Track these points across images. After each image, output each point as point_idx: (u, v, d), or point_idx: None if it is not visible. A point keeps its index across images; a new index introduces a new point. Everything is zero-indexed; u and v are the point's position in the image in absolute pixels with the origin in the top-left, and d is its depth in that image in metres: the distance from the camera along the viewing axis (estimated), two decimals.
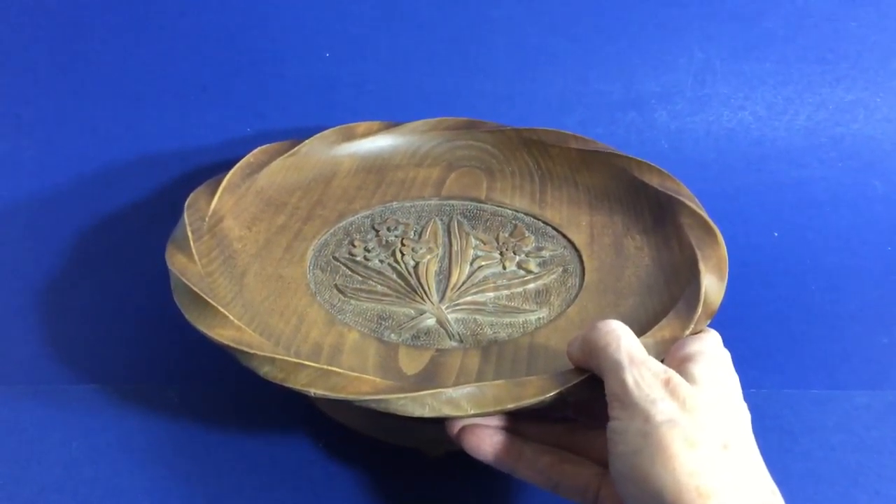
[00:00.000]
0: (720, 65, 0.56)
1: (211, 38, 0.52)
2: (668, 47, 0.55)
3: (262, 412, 0.40)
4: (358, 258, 0.42)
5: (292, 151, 0.47)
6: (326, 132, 0.49)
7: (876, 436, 0.39)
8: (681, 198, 0.43)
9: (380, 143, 0.50)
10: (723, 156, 0.56)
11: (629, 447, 0.26)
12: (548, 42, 0.54)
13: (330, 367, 0.30)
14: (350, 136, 0.50)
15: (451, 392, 0.29)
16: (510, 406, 0.29)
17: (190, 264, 0.37)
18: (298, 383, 0.30)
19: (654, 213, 0.44)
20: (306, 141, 0.48)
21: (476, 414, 0.29)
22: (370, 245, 0.43)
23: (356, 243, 0.43)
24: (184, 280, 0.34)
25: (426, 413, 0.29)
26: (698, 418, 0.26)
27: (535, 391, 0.30)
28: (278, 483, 0.36)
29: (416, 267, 0.41)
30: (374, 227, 0.44)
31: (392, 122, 0.51)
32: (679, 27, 0.55)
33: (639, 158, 0.47)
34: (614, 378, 0.28)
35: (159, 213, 0.51)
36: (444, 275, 0.41)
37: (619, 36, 0.55)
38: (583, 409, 0.33)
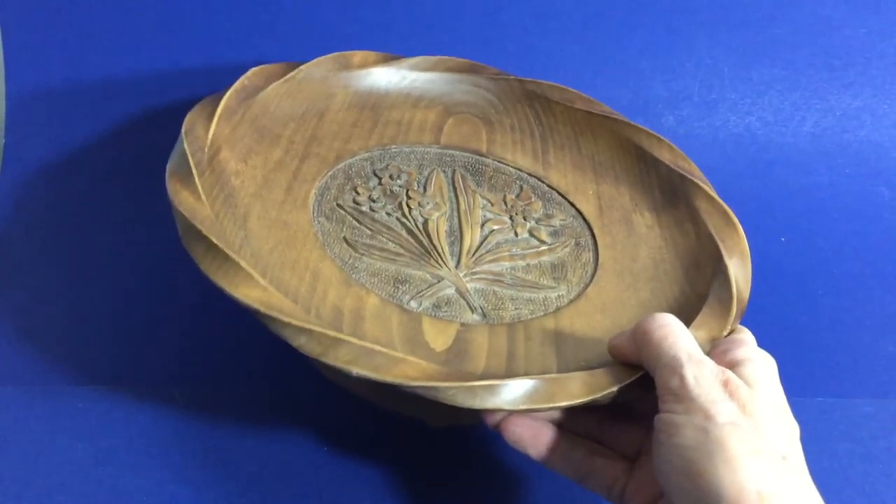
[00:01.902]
0: (728, 70, 0.56)
1: None
2: (675, 52, 0.55)
3: (266, 411, 0.40)
4: (363, 208, 0.40)
5: (288, 77, 0.45)
6: (322, 58, 0.47)
7: (883, 445, 0.39)
8: (695, 179, 0.42)
9: (375, 76, 0.48)
10: (730, 161, 0.56)
11: (686, 441, 0.26)
12: (556, 46, 0.54)
13: (374, 347, 0.28)
14: (346, 66, 0.48)
15: (507, 387, 0.28)
16: (565, 403, 0.28)
17: (198, 204, 0.33)
18: (339, 360, 0.28)
19: (666, 192, 0.43)
20: (302, 66, 0.45)
21: (529, 409, 0.28)
22: (374, 194, 0.41)
23: (360, 190, 0.41)
24: (196, 224, 0.31)
25: (476, 404, 0.28)
26: (759, 425, 0.26)
27: (590, 389, 0.29)
28: (284, 482, 0.36)
29: (425, 224, 0.40)
30: (375, 174, 0.43)
31: (390, 55, 0.49)
32: (687, 33, 0.54)
33: (649, 130, 0.46)
34: (671, 373, 0.28)
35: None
36: (456, 237, 0.40)
37: (628, 41, 0.54)
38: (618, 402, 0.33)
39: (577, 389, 0.29)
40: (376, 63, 0.49)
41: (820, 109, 0.56)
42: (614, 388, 0.29)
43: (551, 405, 0.28)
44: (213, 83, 0.53)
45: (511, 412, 0.30)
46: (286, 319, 0.28)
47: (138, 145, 0.53)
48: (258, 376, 0.42)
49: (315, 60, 0.47)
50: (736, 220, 0.40)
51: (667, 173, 0.44)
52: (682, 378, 0.27)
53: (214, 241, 0.30)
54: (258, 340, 0.44)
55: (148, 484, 0.36)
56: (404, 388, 0.27)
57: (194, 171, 0.34)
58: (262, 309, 0.29)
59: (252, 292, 0.29)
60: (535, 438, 0.31)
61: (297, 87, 0.46)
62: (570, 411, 0.32)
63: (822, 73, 0.56)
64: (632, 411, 0.33)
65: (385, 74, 0.49)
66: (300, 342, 0.28)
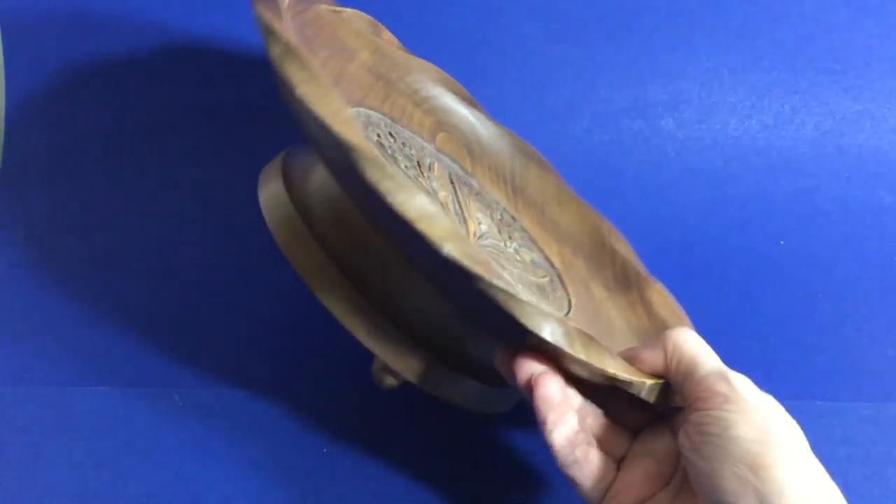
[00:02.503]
0: (727, 73, 0.56)
1: None
2: (675, 55, 0.55)
3: (266, 414, 0.40)
4: (387, 153, 0.39)
5: (336, 9, 0.43)
6: (363, 15, 0.46)
7: (881, 449, 0.39)
8: (650, 279, 0.43)
9: (395, 57, 0.48)
10: (729, 164, 0.56)
11: (749, 434, 0.27)
12: (555, 49, 0.54)
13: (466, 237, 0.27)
14: (377, 34, 0.47)
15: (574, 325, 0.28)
16: (622, 374, 0.29)
17: (341, 108, 0.27)
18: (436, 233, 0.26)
19: (619, 279, 0.44)
20: (347, 9, 0.45)
21: (582, 362, 0.28)
22: (394, 147, 0.40)
23: (382, 141, 0.40)
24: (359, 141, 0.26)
25: (546, 334, 0.27)
26: (797, 433, 0.29)
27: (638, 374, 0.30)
28: (284, 484, 0.36)
29: (435, 196, 0.40)
30: (390, 133, 0.41)
31: (406, 49, 0.49)
32: (687, 35, 0.55)
33: (611, 224, 0.47)
34: (719, 377, 0.29)
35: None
36: (462, 220, 0.40)
37: (627, 44, 0.55)
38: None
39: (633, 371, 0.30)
40: (399, 48, 0.48)
41: (819, 113, 0.56)
42: (660, 381, 0.30)
43: (604, 368, 0.28)
44: (212, 85, 0.54)
45: (562, 353, 0.28)
46: (383, 169, 0.26)
47: (139, 145, 0.53)
48: (257, 379, 0.42)
49: (357, 12, 0.46)
50: (687, 318, 0.41)
51: (622, 264, 0.45)
52: (729, 382, 0.29)
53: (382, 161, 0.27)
54: (258, 343, 0.44)
55: (147, 486, 0.36)
56: (483, 285, 0.26)
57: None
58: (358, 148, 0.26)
59: (349, 131, 0.26)
60: (560, 405, 0.31)
61: (339, 23, 0.45)
62: (591, 396, 0.32)
63: (821, 76, 0.56)
64: (625, 420, 0.33)
65: (402, 61, 0.48)
66: (400, 198, 0.26)
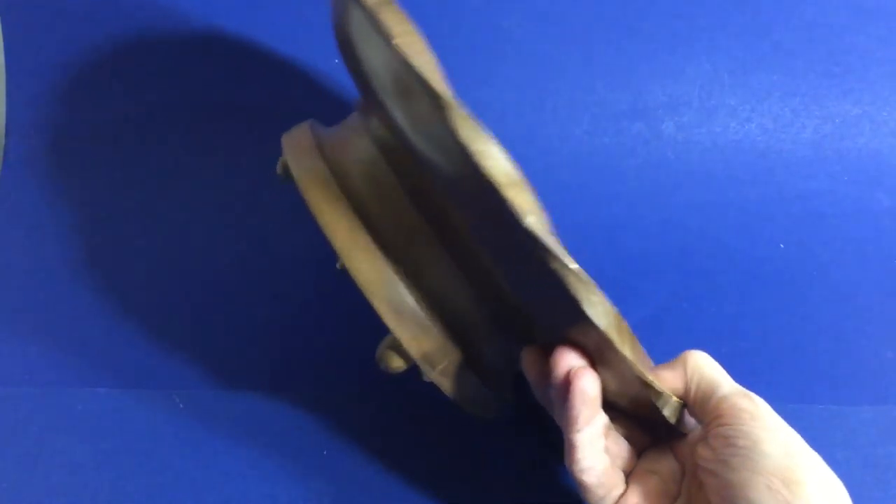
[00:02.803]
0: (727, 76, 0.56)
1: None
2: (675, 58, 0.55)
3: (266, 416, 0.40)
4: None
5: None
6: None
7: (881, 452, 0.39)
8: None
9: None
10: (729, 167, 0.56)
11: (778, 450, 0.29)
12: (556, 51, 0.54)
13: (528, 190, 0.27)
14: None
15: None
16: (657, 385, 0.29)
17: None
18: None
19: None
20: None
21: (626, 360, 0.28)
22: None
23: None
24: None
25: (602, 325, 0.27)
26: (818, 457, 0.30)
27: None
28: (284, 486, 0.36)
29: None
30: None
31: None
32: (687, 38, 0.55)
33: None
34: (742, 396, 0.31)
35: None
36: None
37: (628, 46, 0.55)
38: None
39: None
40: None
41: (819, 116, 0.57)
42: (680, 401, 0.31)
43: (643, 372, 0.29)
44: (212, 85, 0.54)
45: (610, 348, 0.28)
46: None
47: (139, 145, 0.53)
48: (258, 381, 0.42)
49: None
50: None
51: None
52: (752, 401, 0.30)
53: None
54: (259, 345, 0.44)
55: (147, 487, 0.36)
56: (556, 264, 0.26)
57: None
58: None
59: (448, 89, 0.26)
60: (594, 403, 0.31)
61: None
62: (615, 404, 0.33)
63: (821, 79, 0.56)
64: (630, 439, 0.34)
65: None
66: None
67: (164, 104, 0.53)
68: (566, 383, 0.30)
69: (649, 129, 0.56)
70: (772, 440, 0.29)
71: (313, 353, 0.44)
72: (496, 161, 0.25)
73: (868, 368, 0.44)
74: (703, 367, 0.32)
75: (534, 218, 0.25)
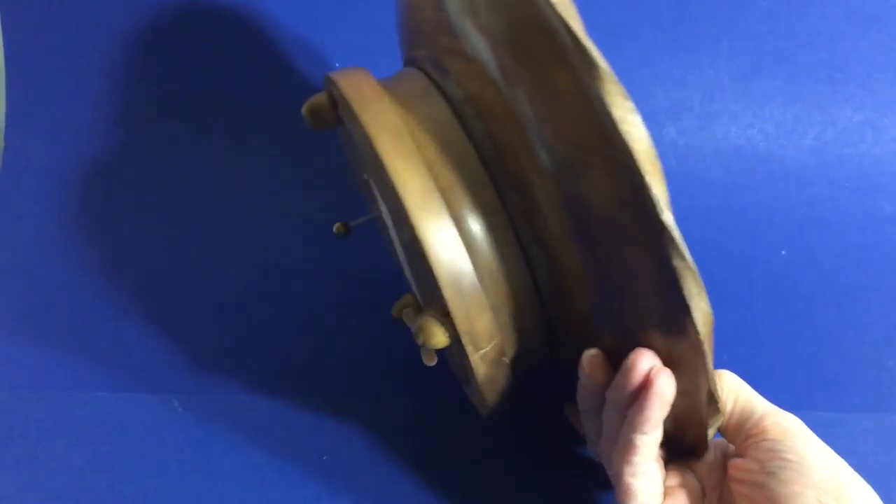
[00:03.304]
0: (729, 82, 0.56)
1: None
2: (677, 63, 0.55)
3: (264, 420, 0.40)
4: None
5: None
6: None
7: (882, 460, 0.39)
8: None
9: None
10: (730, 173, 0.56)
11: (827, 467, 0.30)
12: None
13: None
14: None
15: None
16: (722, 397, 0.32)
17: None
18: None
19: None
20: None
21: (706, 367, 0.28)
22: None
23: None
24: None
25: (700, 326, 0.26)
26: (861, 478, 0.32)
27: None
28: (282, 490, 0.36)
29: None
30: None
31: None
32: (689, 44, 0.55)
33: None
34: (780, 414, 0.32)
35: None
36: None
37: (629, 51, 0.55)
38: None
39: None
40: None
41: (821, 122, 0.57)
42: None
43: (716, 381, 0.29)
44: (213, 85, 0.53)
45: (699, 351, 0.28)
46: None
47: (139, 145, 0.53)
48: (256, 385, 0.42)
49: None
50: None
51: None
52: (795, 418, 0.32)
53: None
54: (257, 349, 0.44)
55: (146, 490, 0.36)
56: (680, 262, 0.25)
57: None
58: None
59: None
60: (668, 406, 0.30)
61: None
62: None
63: (823, 85, 0.56)
64: None
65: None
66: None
67: (164, 104, 0.53)
68: (645, 383, 0.29)
69: (651, 133, 0.56)
70: (820, 457, 0.30)
71: (312, 355, 0.44)
72: (643, 143, 0.24)
73: (869, 376, 0.44)
74: (738, 388, 0.33)
75: (668, 214, 0.25)
